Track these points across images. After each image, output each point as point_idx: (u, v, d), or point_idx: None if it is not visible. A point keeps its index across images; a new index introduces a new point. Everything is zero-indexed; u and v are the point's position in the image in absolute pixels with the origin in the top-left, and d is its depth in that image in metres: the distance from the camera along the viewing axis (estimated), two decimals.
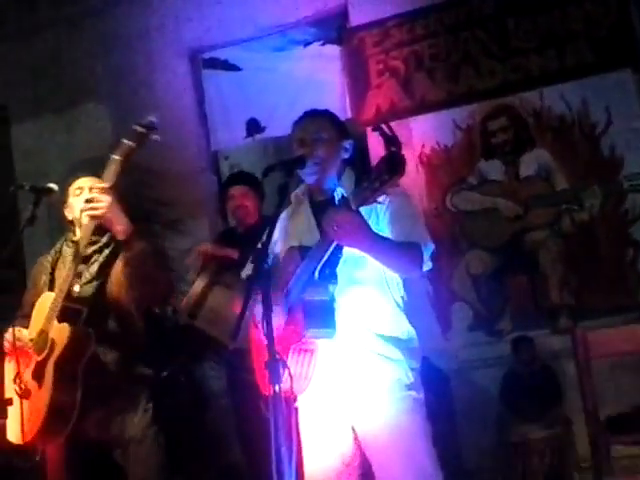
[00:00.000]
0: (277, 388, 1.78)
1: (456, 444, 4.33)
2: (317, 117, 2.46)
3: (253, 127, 5.31)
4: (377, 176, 2.01)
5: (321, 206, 2.40)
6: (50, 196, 2.84)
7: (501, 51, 4.78)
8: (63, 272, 2.75)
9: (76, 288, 2.74)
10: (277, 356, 1.81)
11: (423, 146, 4.89)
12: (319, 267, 2.16)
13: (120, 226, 2.63)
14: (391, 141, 2.33)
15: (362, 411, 2.29)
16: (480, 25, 4.85)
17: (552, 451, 4.28)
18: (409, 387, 2.31)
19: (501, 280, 4.70)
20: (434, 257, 4.60)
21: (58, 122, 5.58)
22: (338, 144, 2.43)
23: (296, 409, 2.32)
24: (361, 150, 5.09)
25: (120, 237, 2.64)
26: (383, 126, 2.42)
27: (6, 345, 2.73)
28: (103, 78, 5.46)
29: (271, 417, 1.76)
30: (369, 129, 4.88)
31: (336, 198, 2.34)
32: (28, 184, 2.87)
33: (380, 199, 2.05)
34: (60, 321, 2.63)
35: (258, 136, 5.30)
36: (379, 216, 2.33)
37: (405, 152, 4.91)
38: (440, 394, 4.34)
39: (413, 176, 4.82)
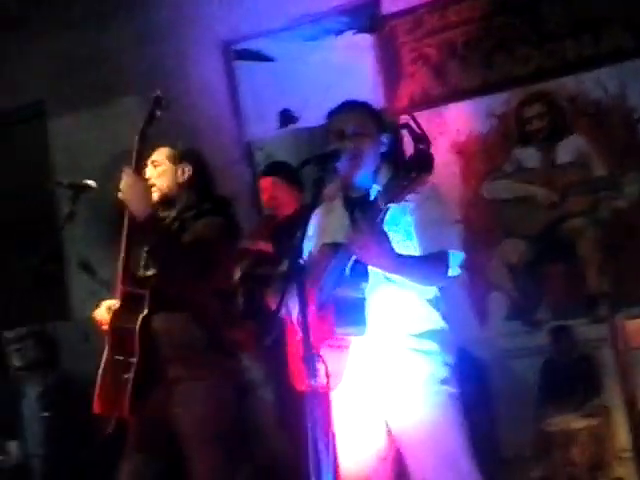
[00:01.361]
0: (314, 382, 1.78)
1: (494, 434, 4.31)
2: (356, 109, 2.43)
3: (286, 118, 5.31)
4: (405, 174, 1.99)
5: (355, 203, 2.39)
6: (88, 192, 2.88)
7: (536, 37, 4.70)
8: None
9: (141, 271, 2.80)
10: (314, 351, 1.80)
11: (457, 134, 4.85)
12: (350, 265, 2.16)
13: (135, 209, 2.63)
14: (419, 138, 2.30)
15: (396, 406, 2.29)
16: (514, 11, 4.78)
17: (591, 441, 4.23)
18: (443, 381, 2.31)
19: (538, 269, 4.64)
20: (470, 246, 4.59)
21: (94, 116, 5.63)
22: (377, 138, 2.41)
23: (330, 403, 2.33)
24: (424, 134, 5.08)
25: (138, 220, 2.67)
26: (411, 123, 2.38)
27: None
28: (137, 71, 5.48)
29: (308, 412, 1.76)
30: (402, 118, 4.87)
31: (371, 195, 2.32)
32: (66, 181, 2.92)
33: (409, 197, 2.03)
34: (123, 308, 2.70)
35: (291, 126, 5.29)
36: (409, 215, 2.31)
37: (439, 140, 4.95)
38: (477, 384, 4.32)
39: (447, 165, 4.79)
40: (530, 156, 4.74)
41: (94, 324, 2.90)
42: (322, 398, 1.91)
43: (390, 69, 5.03)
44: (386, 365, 2.32)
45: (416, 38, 4.96)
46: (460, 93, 4.86)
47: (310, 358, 1.81)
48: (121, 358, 2.68)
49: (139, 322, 2.67)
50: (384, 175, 2.40)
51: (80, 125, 5.64)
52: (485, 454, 4.17)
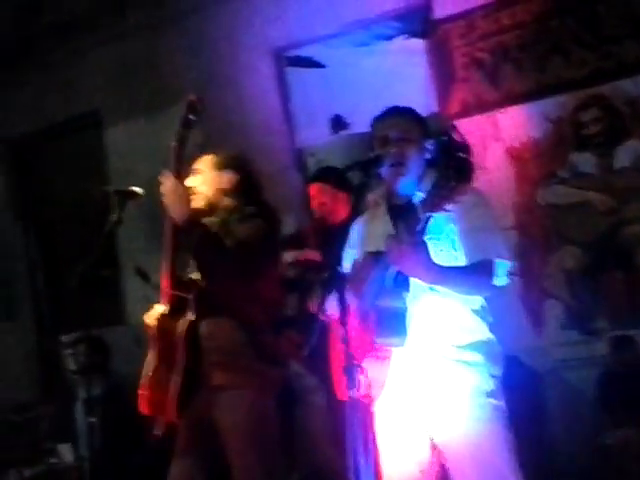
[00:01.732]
0: (353, 393, 1.75)
1: (547, 445, 4.21)
2: (401, 115, 2.39)
3: (338, 123, 5.30)
4: (444, 184, 1.95)
5: (399, 210, 2.34)
6: (135, 199, 2.90)
7: (592, 38, 4.59)
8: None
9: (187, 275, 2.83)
10: (354, 361, 1.77)
11: (511, 139, 4.76)
12: (392, 274, 2.12)
13: (174, 213, 2.68)
14: (460, 147, 2.26)
15: (440, 419, 2.24)
16: (570, 12, 4.67)
17: None
18: (489, 394, 2.24)
19: (595, 276, 4.52)
20: (524, 253, 4.49)
21: (148, 124, 5.70)
22: (421, 145, 2.36)
23: (372, 414, 2.30)
24: (447, 144, 5.01)
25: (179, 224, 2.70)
26: (452, 132, 2.35)
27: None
28: (190, 79, 5.54)
29: (347, 422, 1.73)
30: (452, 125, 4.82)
31: (415, 202, 2.28)
32: (113, 187, 2.94)
33: (448, 207, 1.98)
34: (169, 312, 2.74)
35: (343, 132, 5.27)
36: (454, 224, 2.26)
37: (493, 146, 4.86)
38: (530, 394, 4.23)
39: (502, 170, 4.72)
40: (586, 161, 4.62)
41: (146, 328, 2.93)
42: (362, 409, 1.88)
43: (442, 74, 4.97)
44: (430, 377, 2.27)
45: (469, 42, 4.89)
46: (514, 97, 4.77)
47: (350, 368, 1.78)
48: (167, 362, 2.69)
49: (185, 326, 2.68)
50: (429, 182, 2.35)
51: (134, 133, 5.73)
52: (540, 468, 4.10)
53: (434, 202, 1.99)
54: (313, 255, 3.28)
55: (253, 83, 5.39)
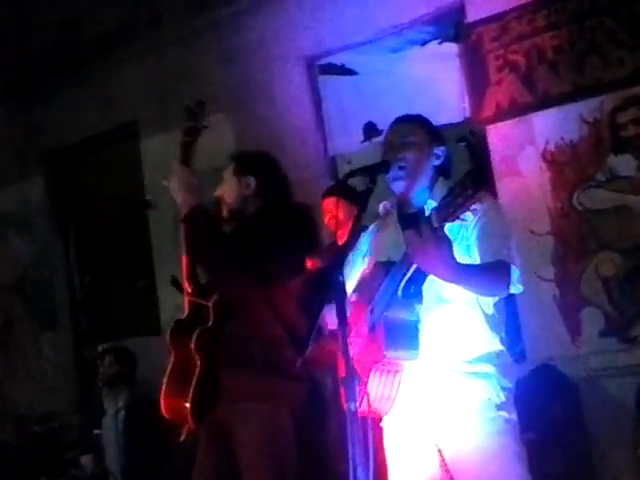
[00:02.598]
0: (353, 406, 1.71)
1: (586, 457, 4.09)
2: (406, 121, 2.39)
3: (370, 131, 5.26)
4: (460, 192, 1.90)
5: (409, 219, 2.31)
6: (149, 209, 2.91)
7: (630, 38, 4.45)
8: None
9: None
10: (354, 373, 1.74)
11: (547, 143, 4.64)
12: (402, 285, 2.07)
13: (180, 201, 2.78)
14: (476, 154, 2.22)
15: (450, 432, 2.20)
16: (606, 12, 4.54)
17: None
18: (500, 407, 2.20)
19: (635, 283, 4.36)
20: (561, 259, 4.39)
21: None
22: (428, 149, 2.33)
23: (381, 429, 2.26)
24: (481, 149, 4.94)
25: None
26: (470, 137, 2.31)
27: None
28: (224, 89, 5.58)
29: (348, 436, 1.69)
30: (488, 128, 4.74)
31: (426, 211, 2.23)
32: (127, 196, 2.96)
33: (463, 216, 1.93)
34: (188, 318, 2.76)
35: (375, 140, 5.23)
36: (468, 229, 2.22)
37: (528, 149, 4.76)
38: (567, 403, 4.13)
39: (537, 175, 4.61)
40: (625, 164, 4.48)
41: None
42: (365, 422, 1.84)
43: (476, 78, 4.89)
44: (440, 389, 2.23)
45: (502, 45, 4.80)
46: (549, 100, 4.66)
47: (349, 380, 1.74)
48: (184, 370, 2.68)
49: (199, 334, 2.66)
50: (441, 191, 2.31)
51: (170, 144, 5.76)
52: (577, 477, 3.99)
53: (448, 211, 1.94)
54: (314, 264, 3.23)
55: (286, 92, 5.39)
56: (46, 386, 6.03)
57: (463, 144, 2.14)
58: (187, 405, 2.63)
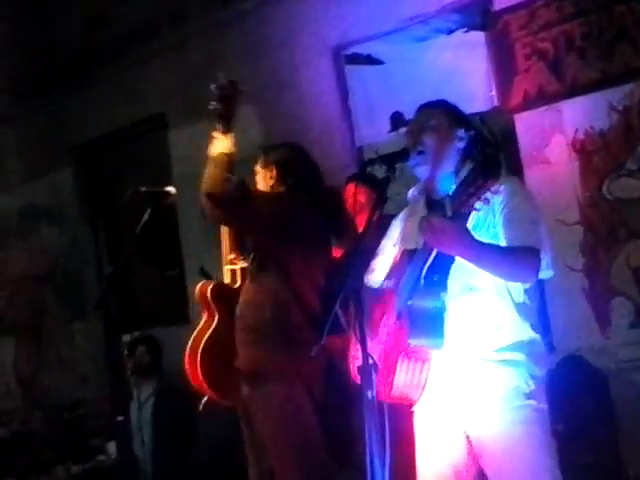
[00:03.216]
0: (370, 394, 1.70)
1: (614, 449, 4.04)
2: (428, 107, 2.37)
3: (397, 120, 5.22)
4: (472, 181, 1.88)
5: (438, 205, 2.29)
6: (168, 199, 2.95)
7: None
8: None
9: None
10: (370, 361, 1.73)
11: (576, 131, 4.58)
12: (424, 273, 2.06)
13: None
14: (487, 143, 2.19)
15: (477, 420, 2.19)
16: None
17: None
18: (528, 396, 2.17)
19: None
20: (590, 249, 4.33)
21: (211, 126, 5.76)
22: (449, 132, 2.30)
23: (411, 414, 2.26)
24: (509, 137, 4.89)
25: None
26: (480, 127, 2.29)
27: None
28: (250, 81, 5.57)
29: (366, 424, 1.69)
30: (516, 117, 4.70)
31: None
32: (145, 188, 3.00)
33: (476, 205, 1.91)
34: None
35: (402, 129, 5.20)
36: (495, 216, 2.19)
37: (556, 138, 4.70)
38: (598, 395, 4.08)
39: (566, 163, 4.56)
40: None
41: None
42: (380, 410, 1.84)
43: (503, 66, 4.83)
44: (468, 378, 2.21)
45: (530, 32, 4.74)
46: (578, 88, 4.59)
47: (366, 368, 1.73)
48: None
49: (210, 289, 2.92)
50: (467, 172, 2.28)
51: (198, 136, 5.78)
52: (606, 473, 3.94)
53: (460, 201, 1.93)
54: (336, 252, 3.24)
55: (312, 82, 5.39)
56: (77, 375, 6.12)
57: (462, 147, 2.14)
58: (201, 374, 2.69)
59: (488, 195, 1.91)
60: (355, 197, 3.59)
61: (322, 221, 2.91)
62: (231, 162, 2.89)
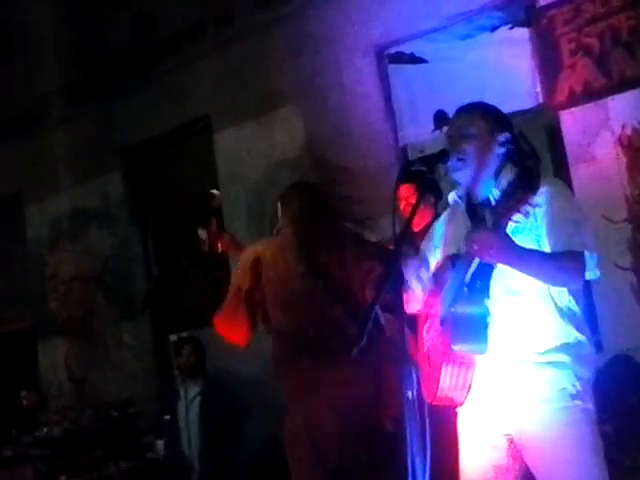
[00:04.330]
0: (410, 395, 1.72)
1: None
2: (466, 112, 2.36)
3: (441, 119, 5.20)
4: (511, 194, 1.88)
5: (477, 209, 2.30)
6: (212, 201, 2.99)
7: None
8: None
9: None
10: (410, 362, 1.75)
11: (623, 127, 4.51)
12: (467, 279, 2.07)
13: None
14: (526, 155, 2.18)
15: (523, 421, 2.18)
16: None
17: None
18: (575, 397, 2.16)
19: None
20: (638, 247, 4.25)
21: (255, 127, 5.83)
22: (489, 139, 2.29)
23: (456, 415, 2.26)
24: (554, 135, 4.83)
25: None
26: (519, 140, 2.27)
27: None
28: (294, 82, 5.62)
29: (407, 425, 1.70)
30: (562, 113, 4.65)
31: (492, 200, 2.21)
32: (191, 191, 3.05)
33: (515, 217, 1.92)
34: None
35: (445, 128, 5.17)
36: (537, 219, 2.18)
37: (603, 135, 4.63)
38: None
39: (613, 160, 4.49)
40: None
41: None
42: (444, 412, 1.86)
43: (548, 62, 4.78)
44: (513, 380, 2.21)
45: (575, 28, 4.67)
46: (625, 83, 4.51)
47: (406, 369, 1.75)
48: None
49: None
50: (510, 176, 2.27)
51: (242, 136, 5.86)
52: None
53: (499, 214, 1.94)
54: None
55: (355, 82, 5.40)
56: (126, 374, 6.23)
57: (502, 152, 2.12)
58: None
59: (528, 208, 1.91)
60: (407, 200, 3.58)
61: None
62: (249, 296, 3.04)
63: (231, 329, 3.10)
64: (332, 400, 2.71)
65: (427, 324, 2.32)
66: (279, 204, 3.21)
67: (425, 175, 3.66)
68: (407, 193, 3.61)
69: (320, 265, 2.97)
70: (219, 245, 3.51)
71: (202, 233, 3.52)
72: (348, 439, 2.70)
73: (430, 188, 3.50)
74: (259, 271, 3.03)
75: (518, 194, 1.87)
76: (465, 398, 2.21)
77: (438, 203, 3.63)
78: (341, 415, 2.69)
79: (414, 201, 3.55)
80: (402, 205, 3.61)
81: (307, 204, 3.11)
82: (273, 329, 2.98)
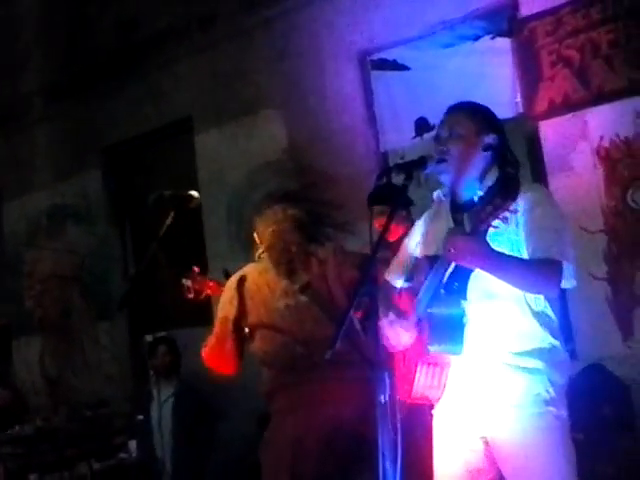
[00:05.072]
0: (382, 398, 1.73)
1: (636, 459, 4.00)
2: (454, 111, 2.35)
3: (422, 126, 5.24)
4: (490, 200, 1.90)
5: (461, 209, 2.31)
6: (192, 202, 2.97)
7: None
8: None
9: None
10: (384, 365, 1.76)
11: (601, 139, 4.56)
12: (444, 280, 2.08)
13: None
14: (507, 162, 2.19)
15: (496, 425, 2.20)
16: None
17: None
18: (548, 402, 2.17)
19: None
20: (614, 257, 4.30)
21: (237, 130, 5.83)
22: (475, 139, 2.29)
23: (431, 416, 2.28)
24: (533, 144, 4.87)
25: None
26: (501, 146, 2.28)
27: None
28: (277, 85, 5.63)
29: (378, 428, 1.72)
30: (541, 124, 4.69)
31: (476, 200, 2.22)
32: (169, 192, 3.02)
33: (494, 223, 1.93)
34: None
35: (427, 135, 5.21)
36: (517, 225, 2.19)
37: (581, 146, 4.68)
38: (619, 405, 4.06)
39: (590, 171, 4.54)
40: None
41: None
42: (420, 411, 1.87)
43: (528, 73, 4.83)
44: (487, 383, 2.22)
45: (556, 40, 4.73)
46: (604, 96, 4.57)
47: (380, 372, 1.76)
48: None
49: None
50: (492, 179, 2.28)
51: (223, 138, 5.86)
52: None
53: (478, 219, 1.95)
54: None
55: (338, 87, 5.42)
56: (102, 374, 6.19)
57: (489, 152, 2.12)
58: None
59: (507, 214, 1.93)
60: (380, 221, 3.60)
61: None
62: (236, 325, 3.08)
63: (220, 362, 3.15)
64: (317, 420, 2.71)
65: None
66: (256, 227, 3.21)
67: (394, 191, 3.70)
68: (379, 214, 3.65)
69: (303, 282, 2.97)
70: (204, 291, 3.55)
71: (186, 282, 3.56)
72: (328, 461, 2.70)
73: (401, 205, 3.53)
74: (241, 302, 3.05)
75: (497, 200, 1.89)
76: (441, 395, 2.22)
77: (409, 214, 3.69)
78: (325, 436, 2.69)
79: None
80: (376, 224, 3.63)
81: (282, 225, 3.08)
82: (260, 350, 2.98)
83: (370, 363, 2.10)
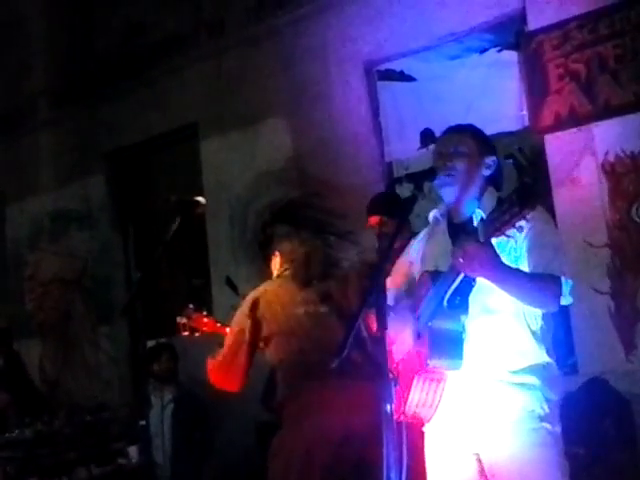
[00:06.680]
0: (388, 408, 1.72)
1: (637, 474, 3.99)
2: (458, 131, 2.40)
3: (427, 137, 5.24)
4: (507, 208, 1.90)
5: (458, 228, 2.32)
6: (198, 209, 2.96)
7: None
8: None
9: None
10: (390, 375, 1.76)
11: (607, 153, 4.56)
12: (448, 295, 2.09)
13: None
14: (524, 171, 2.22)
15: (491, 441, 2.20)
16: None
17: None
18: (543, 419, 2.18)
19: None
20: (617, 272, 4.30)
21: (242, 137, 5.84)
22: (478, 160, 2.34)
23: (422, 434, 2.27)
24: (537, 159, 4.88)
25: None
26: (518, 155, 2.31)
27: None
28: (283, 93, 5.64)
29: (384, 438, 1.71)
30: (547, 137, 4.69)
31: (474, 220, 2.24)
32: (174, 197, 3.01)
33: (509, 232, 1.93)
34: None
35: (432, 146, 5.20)
36: (517, 241, 2.21)
37: (586, 160, 4.68)
38: (620, 419, 4.04)
39: (595, 185, 4.54)
40: None
41: None
42: (403, 427, 1.86)
43: (535, 86, 4.83)
44: (483, 398, 2.22)
45: (563, 54, 4.73)
46: (610, 110, 4.57)
47: (386, 383, 1.75)
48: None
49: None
50: (490, 201, 2.30)
51: (228, 145, 5.87)
52: None
53: (494, 228, 1.95)
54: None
55: (344, 97, 5.42)
56: (101, 378, 6.19)
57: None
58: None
59: (522, 223, 1.93)
60: (381, 228, 3.62)
61: None
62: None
63: (227, 376, 3.14)
64: (327, 427, 2.71)
65: (399, 339, 2.32)
66: (276, 250, 3.24)
67: (398, 203, 3.72)
68: (376, 223, 3.68)
69: (323, 292, 3.01)
70: (200, 328, 3.54)
71: (181, 319, 3.56)
72: (337, 468, 2.69)
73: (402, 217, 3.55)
74: (257, 313, 3.07)
75: (514, 209, 1.90)
76: (432, 416, 2.22)
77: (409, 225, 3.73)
78: (334, 446, 2.69)
79: (384, 230, 3.61)
80: (375, 232, 3.66)
81: (313, 246, 3.20)
82: (276, 357, 2.99)
83: (378, 372, 2.11)
